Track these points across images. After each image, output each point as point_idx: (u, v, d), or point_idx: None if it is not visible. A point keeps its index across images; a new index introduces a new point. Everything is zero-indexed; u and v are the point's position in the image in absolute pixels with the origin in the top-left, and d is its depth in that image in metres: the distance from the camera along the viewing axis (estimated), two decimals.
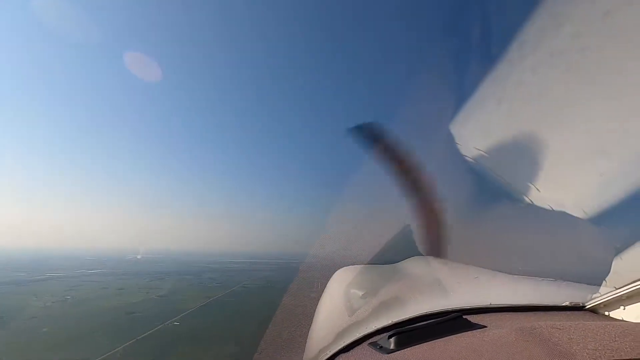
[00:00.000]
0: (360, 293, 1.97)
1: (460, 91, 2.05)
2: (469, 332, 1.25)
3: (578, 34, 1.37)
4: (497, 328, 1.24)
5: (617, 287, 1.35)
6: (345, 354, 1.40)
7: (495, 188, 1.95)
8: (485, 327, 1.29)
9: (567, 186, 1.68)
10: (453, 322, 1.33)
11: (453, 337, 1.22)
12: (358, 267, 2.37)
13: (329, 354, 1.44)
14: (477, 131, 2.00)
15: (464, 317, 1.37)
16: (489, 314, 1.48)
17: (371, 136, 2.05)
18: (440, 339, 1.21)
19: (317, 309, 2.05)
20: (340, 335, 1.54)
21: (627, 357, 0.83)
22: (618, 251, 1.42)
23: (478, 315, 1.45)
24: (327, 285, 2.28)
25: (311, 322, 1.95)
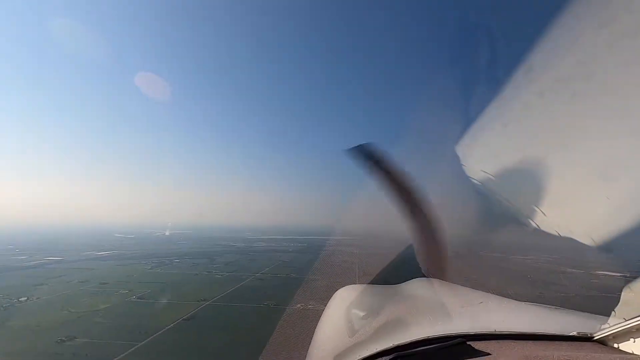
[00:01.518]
0: (362, 314, 1.93)
1: (467, 113, 2.07)
2: (473, 359, 1.22)
3: (583, 62, 1.39)
4: (502, 356, 1.20)
5: (626, 319, 1.31)
6: None
7: (501, 211, 1.93)
8: (490, 354, 1.26)
9: (574, 211, 1.65)
10: (456, 348, 1.29)
11: None
12: (360, 287, 2.33)
13: None
14: (483, 153, 2.00)
15: (468, 343, 1.33)
16: (493, 340, 1.44)
17: (371, 158, 2.07)
18: None
19: (316, 329, 2.01)
20: (339, 356, 1.51)
21: None
22: (628, 281, 1.38)
23: (482, 341, 1.41)
24: (328, 304, 2.24)
25: (310, 342, 1.91)
